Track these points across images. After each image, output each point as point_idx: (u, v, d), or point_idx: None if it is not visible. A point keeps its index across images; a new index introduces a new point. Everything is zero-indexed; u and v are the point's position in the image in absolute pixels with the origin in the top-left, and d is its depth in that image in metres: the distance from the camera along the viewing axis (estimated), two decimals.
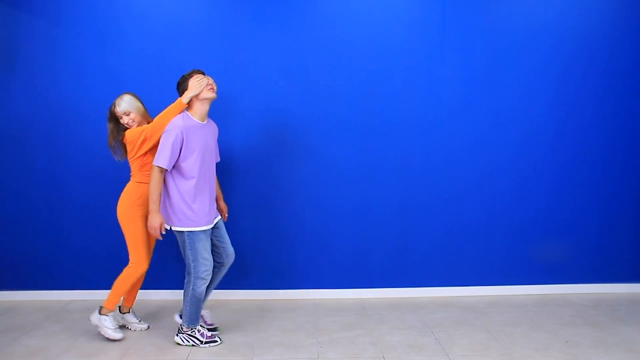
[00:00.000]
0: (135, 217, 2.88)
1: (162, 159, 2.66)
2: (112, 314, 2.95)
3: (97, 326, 2.94)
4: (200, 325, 2.91)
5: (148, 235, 2.95)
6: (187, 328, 2.87)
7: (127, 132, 2.87)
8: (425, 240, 3.66)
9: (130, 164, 2.92)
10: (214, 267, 2.93)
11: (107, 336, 2.91)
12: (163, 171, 2.70)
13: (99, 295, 3.58)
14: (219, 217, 2.99)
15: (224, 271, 2.99)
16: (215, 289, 3.03)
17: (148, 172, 2.85)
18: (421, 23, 3.52)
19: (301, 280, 3.66)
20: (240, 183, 3.54)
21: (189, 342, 2.87)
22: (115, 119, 2.90)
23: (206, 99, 2.78)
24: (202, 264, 2.78)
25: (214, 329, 3.01)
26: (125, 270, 2.92)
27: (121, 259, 3.56)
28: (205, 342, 2.87)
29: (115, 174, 3.48)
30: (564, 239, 3.73)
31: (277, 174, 3.57)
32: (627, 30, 3.60)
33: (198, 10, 3.45)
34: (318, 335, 3.02)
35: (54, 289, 3.60)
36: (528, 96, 3.61)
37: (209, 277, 2.83)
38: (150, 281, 3.49)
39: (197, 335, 2.87)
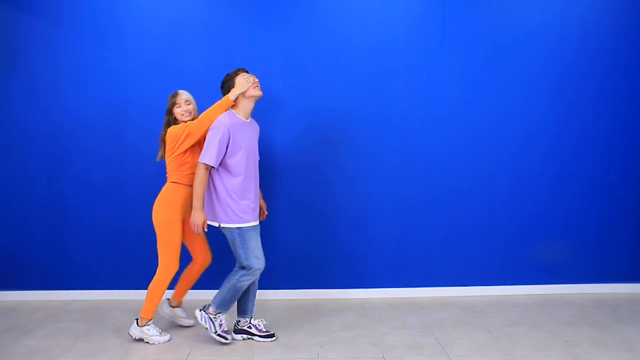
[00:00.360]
0: (173, 220, 2.83)
1: (208, 156, 2.67)
2: (152, 321, 2.91)
3: (141, 339, 2.89)
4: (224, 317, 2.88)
5: (186, 236, 2.94)
6: (214, 310, 2.84)
7: (169, 128, 2.84)
8: (425, 240, 3.66)
9: (167, 163, 2.88)
10: None
11: (155, 343, 2.87)
12: (209, 168, 2.71)
13: (99, 295, 3.58)
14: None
15: (255, 280, 2.95)
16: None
17: (185, 172, 2.85)
18: (421, 23, 3.52)
19: (301, 280, 3.66)
20: None
21: (205, 323, 2.83)
22: (171, 113, 2.88)
23: (252, 96, 2.80)
24: (255, 262, 2.78)
25: (272, 335, 2.96)
26: (156, 275, 2.86)
27: (122, 259, 3.57)
28: (218, 334, 2.83)
29: (115, 174, 3.49)
30: (564, 239, 3.73)
31: (274, 174, 3.57)
32: (627, 30, 3.60)
33: (198, 10, 3.45)
34: (318, 335, 3.02)
35: (54, 289, 3.60)
36: (528, 96, 3.61)
37: (258, 275, 2.84)
38: None
39: (216, 323, 2.84)
